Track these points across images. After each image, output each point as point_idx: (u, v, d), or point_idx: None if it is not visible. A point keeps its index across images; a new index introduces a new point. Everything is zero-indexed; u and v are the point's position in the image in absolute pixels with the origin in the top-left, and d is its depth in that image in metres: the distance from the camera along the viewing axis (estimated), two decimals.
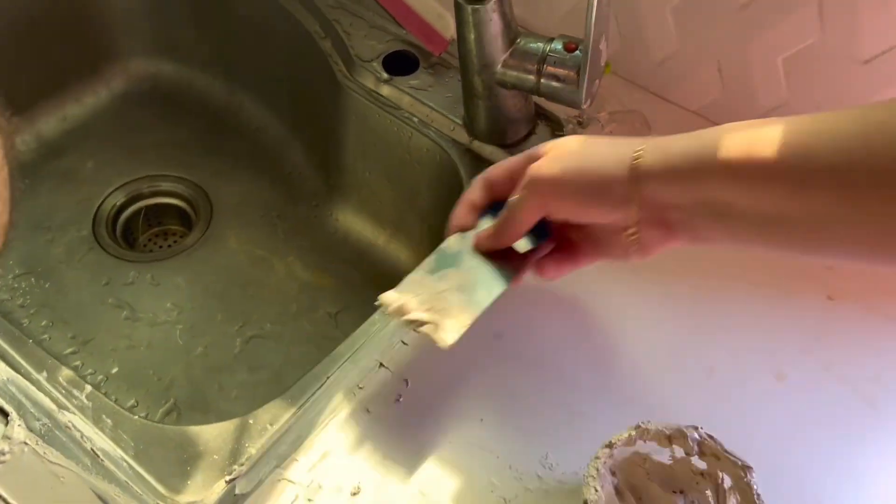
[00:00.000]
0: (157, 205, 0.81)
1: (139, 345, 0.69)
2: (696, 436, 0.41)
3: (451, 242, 0.48)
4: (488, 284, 0.45)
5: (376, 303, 0.46)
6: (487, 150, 0.62)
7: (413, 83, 0.66)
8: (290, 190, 0.80)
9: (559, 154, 0.43)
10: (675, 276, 0.53)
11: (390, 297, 0.45)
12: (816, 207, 0.34)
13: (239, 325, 0.71)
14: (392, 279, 0.74)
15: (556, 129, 0.63)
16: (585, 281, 0.51)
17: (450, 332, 0.43)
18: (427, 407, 0.48)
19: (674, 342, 0.51)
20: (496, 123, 0.60)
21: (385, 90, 0.67)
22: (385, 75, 0.67)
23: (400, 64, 0.68)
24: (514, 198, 0.44)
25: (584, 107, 0.53)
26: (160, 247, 0.80)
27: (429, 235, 0.71)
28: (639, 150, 0.39)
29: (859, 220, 0.33)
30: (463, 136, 0.63)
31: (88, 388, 0.48)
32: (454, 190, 0.62)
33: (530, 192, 0.43)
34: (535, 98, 0.60)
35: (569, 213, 0.43)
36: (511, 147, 0.62)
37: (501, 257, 0.46)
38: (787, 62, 0.57)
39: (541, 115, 0.63)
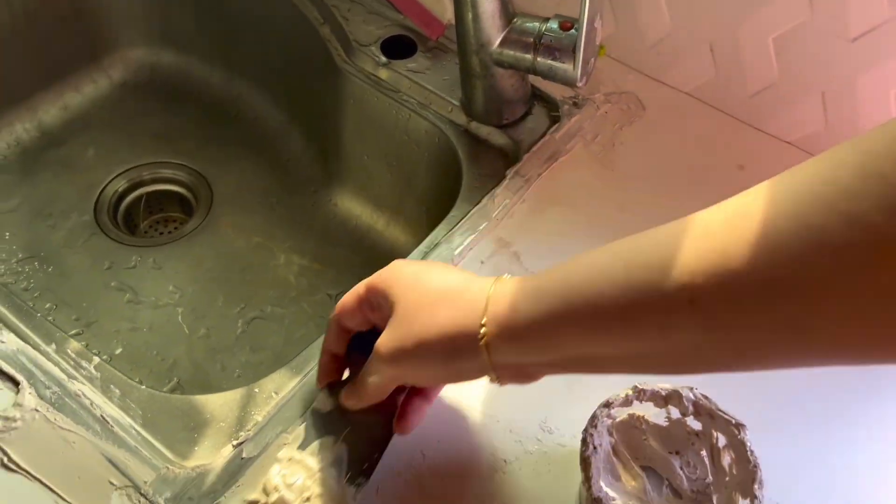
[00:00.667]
0: (157, 191, 0.82)
1: (142, 327, 0.70)
2: (692, 396, 0.42)
3: (322, 399, 0.46)
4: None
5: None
6: (485, 130, 0.64)
7: (411, 66, 0.67)
8: (289, 177, 0.81)
9: (400, 316, 0.39)
10: None
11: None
12: (681, 344, 0.31)
13: (240, 308, 0.71)
14: (390, 261, 0.75)
15: (552, 110, 0.64)
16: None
17: None
18: None
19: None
20: (493, 103, 0.61)
21: (384, 74, 0.68)
22: (383, 59, 0.68)
23: (398, 48, 0.69)
24: (365, 374, 0.41)
25: (580, 85, 0.54)
26: (161, 233, 0.81)
27: (427, 218, 0.72)
28: (483, 329, 0.36)
29: (722, 346, 0.30)
30: (461, 118, 0.64)
31: (97, 359, 0.49)
32: (452, 171, 0.64)
33: (381, 373, 0.40)
34: (532, 79, 0.62)
35: (424, 384, 0.43)
36: (508, 127, 0.63)
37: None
38: (777, 42, 0.58)
39: (537, 95, 0.64)
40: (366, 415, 0.43)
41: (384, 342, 0.39)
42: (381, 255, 0.75)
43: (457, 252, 0.55)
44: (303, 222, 0.78)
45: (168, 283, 0.73)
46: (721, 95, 0.64)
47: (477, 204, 0.58)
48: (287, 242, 0.77)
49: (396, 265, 0.43)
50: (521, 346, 0.36)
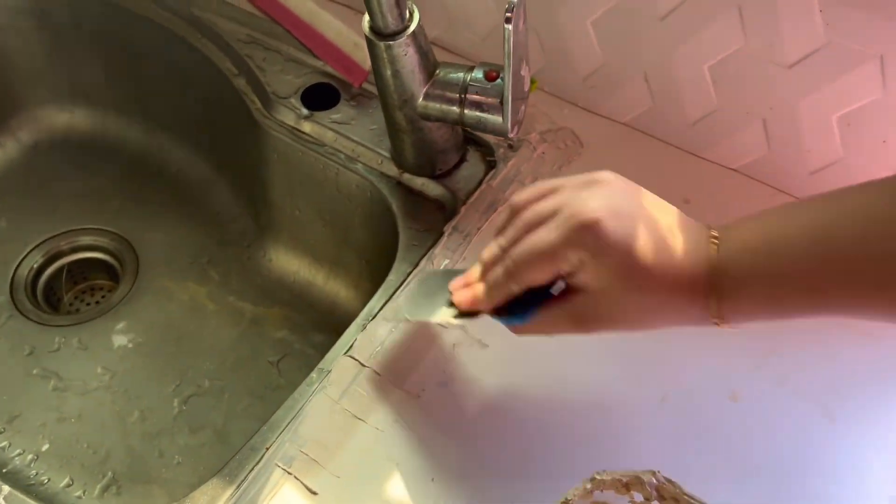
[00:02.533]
0: (79, 261, 0.77)
1: (70, 417, 0.65)
2: (654, 481, 0.39)
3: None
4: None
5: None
6: (418, 182, 0.60)
7: (335, 117, 0.63)
8: (220, 232, 0.77)
9: (626, 205, 0.37)
10: None
11: None
12: None
13: (176, 385, 0.67)
14: (334, 318, 0.72)
15: (488, 155, 0.61)
16: None
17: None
18: (371, 476, 0.45)
19: (622, 375, 0.49)
20: (424, 156, 0.58)
21: (307, 126, 0.64)
22: (305, 111, 0.64)
23: (320, 97, 0.65)
24: (541, 233, 0.37)
25: (512, 135, 0.51)
26: (88, 304, 0.76)
27: (368, 271, 0.68)
28: (714, 235, 0.37)
29: None
30: (392, 170, 0.61)
31: (7, 488, 0.45)
32: (388, 224, 0.60)
33: (577, 241, 0.36)
34: None
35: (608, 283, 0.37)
36: (443, 177, 0.60)
37: None
38: (713, 70, 0.56)
39: (470, 140, 0.61)
40: None
41: (595, 213, 0.36)
42: (324, 312, 0.72)
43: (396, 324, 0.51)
44: (237, 281, 0.74)
45: (96, 365, 0.68)
46: (660, 125, 0.62)
47: (416, 266, 0.55)
48: (222, 305, 0.72)
49: None
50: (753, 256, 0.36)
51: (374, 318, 0.52)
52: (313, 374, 0.49)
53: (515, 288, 0.39)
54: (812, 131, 0.55)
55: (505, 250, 0.39)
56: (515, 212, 0.40)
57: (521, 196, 0.40)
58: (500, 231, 0.41)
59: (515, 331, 0.41)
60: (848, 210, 0.35)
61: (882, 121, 0.52)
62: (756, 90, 0.55)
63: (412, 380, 0.48)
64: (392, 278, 0.55)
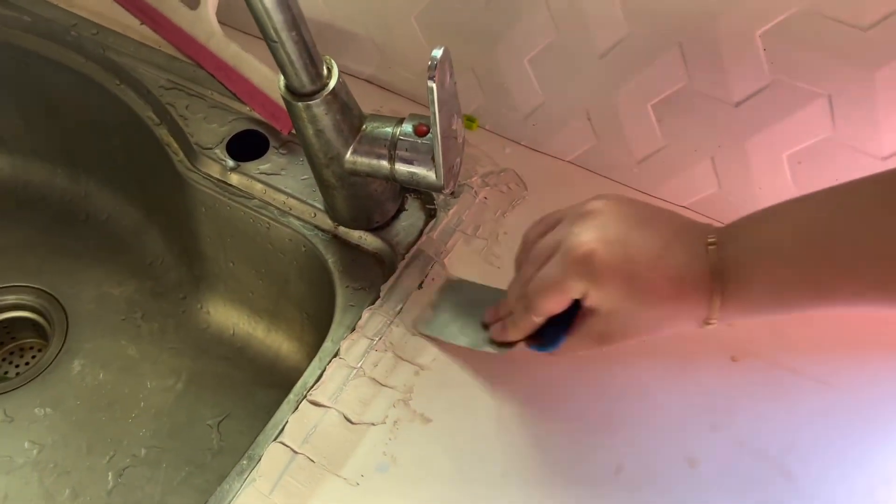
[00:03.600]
0: (3, 320, 0.72)
1: None
2: None
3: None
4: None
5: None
6: (355, 235, 0.57)
7: (263, 168, 0.60)
8: (153, 282, 0.73)
9: (614, 231, 0.39)
10: (568, 368, 0.49)
11: None
12: None
13: (110, 456, 0.63)
14: (276, 372, 0.68)
15: (427, 203, 0.58)
16: (475, 383, 0.47)
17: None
18: None
19: (576, 446, 0.46)
20: (359, 209, 0.54)
21: (234, 178, 0.60)
22: (231, 163, 0.60)
23: (247, 145, 0.61)
24: (546, 270, 0.41)
25: (447, 191, 0.48)
26: (16, 366, 0.71)
27: (309, 323, 0.65)
28: (711, 239, 0.39)
29: None
30: (327, 222, 0.57)
31: None
32: (325, 280, 0.57)
33: (576, 274, 0.39)
34: None
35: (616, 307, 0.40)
36: (381, 229, 0.56)
37: None
38: (657, 108, 0.53)
39: (408, 189, 0.58)
40: None
41: (589, 240, 0.39)
42: (266, 367, 0.68)
43: (334, 397, 0.48)
44: (173, 337, 0.70)
45: (23, 438, 0.64)
46: (606, 163, 0.59)
47: (353, 330, 0.51)
48: (157, 363, 0.68)
49: None
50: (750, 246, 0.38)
51: (311, 389, 0.48)
52: (244, 462, 0.46)
53: (538, 320, 0.42)
54: (763, 169, 0.52)
55: (524, 284, 0.43)
56: (528, 246, 0.45)
57: (530, 231, 0.45)
58: (518, 266, 0.46)
59: (553, 356, 0.44)
60: (848, 204, 0.36)
61: (833, 159, 0.49)
62: (703, 128, 0.52)
63: (350, 466, 0.45)
64: (328, 345, 0.51)
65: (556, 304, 0.41)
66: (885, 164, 0.47)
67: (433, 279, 0.53)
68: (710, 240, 0.39)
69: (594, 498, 0.44)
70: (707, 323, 0.40)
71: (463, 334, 0.49)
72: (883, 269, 0.35)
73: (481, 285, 0.52)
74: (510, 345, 0.45)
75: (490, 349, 0.46)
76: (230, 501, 0.44)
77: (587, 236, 0.39)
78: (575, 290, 0.40)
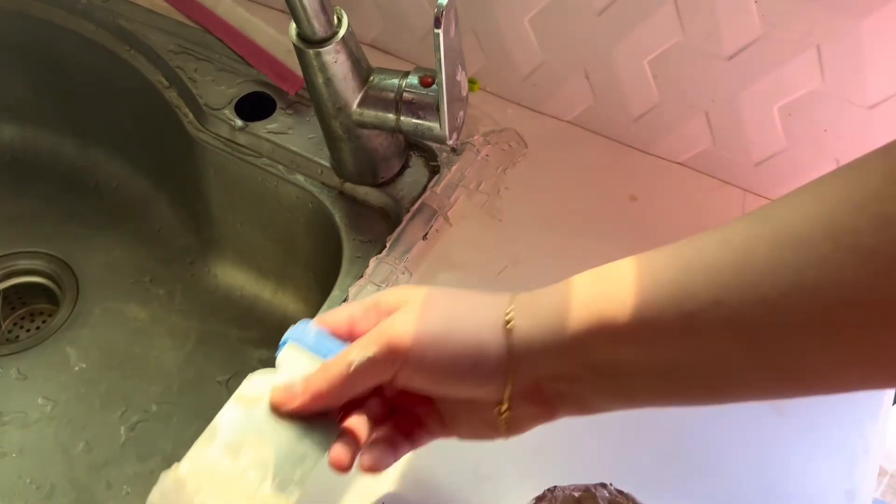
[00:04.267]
0: (15, 286, 0.74)
1: (10, 451, 0.62)
2: (606, 493, 0.38)
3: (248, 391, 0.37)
4: (300, 456, 0.35)
5: None
6: (361, 191, 0.58)
7: (271, 127, 0.61)
8: (161, 248, 0.74)
9: (417, 312, 0.34)
10: None
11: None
12: (711, 353, 0.29)
13: (122, 411, 0.65)
14: (283, 332, 0.70)
15: (431, 159, 0.60)
16: None
17: None
18: (331, 492, 0.44)
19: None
20: (365, 164, 0.56)
21: (242, 138, 0.61)
22: (239, 122, 0.61)
23: (255, 106, 0.63)
24: (356, 352, 0.34)
25: (450, 143, 0.50)
26: (28, 330, 0.73)
27: (315, 283, 0.66)
28: (509, 313, 0.33)
29: (758, 359, 0.28)
30: (333, 179, 0.59)
31: None
32: (332, 236, 0.58)
33: (381, 354, 0.33)
34: None
35: (424, 384, 0.34)
36: (386, 185, 0.58)
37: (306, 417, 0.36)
38: (652, 64, 0.55)
39: (413, 146, 0.60)
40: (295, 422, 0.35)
41: (392, 322, 0.33)
42: (273, 327, 0.70)
43: None
44: (182, 300, 0.72)
45: (36, 395, 0.65)
46: (604, 122, 0.61)
47: (360, 278, 0.53)
48: (166, 325, 0.70)
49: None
50: (547, 341, 0.31)
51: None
52: None
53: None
54: (754, 122, 0.54)
55: None
56: None
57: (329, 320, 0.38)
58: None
59: (367, 463, 0.36)
60: (625, 282, 0.31)
61: (822, 110, 0.51)
62: (697, 83, 0.54)
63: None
64: (336, 293, 0.53)
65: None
66: (872, 113, 0.49)
67: (437, 230, 0.55)
68: (508, 312, 0.33)
69: (593, 430, 0.46)
70: (500, 413, 0.34)
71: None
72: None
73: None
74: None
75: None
76: None
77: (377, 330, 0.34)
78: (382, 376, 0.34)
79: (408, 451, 0.37)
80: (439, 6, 0.42)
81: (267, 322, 0.70)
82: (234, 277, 0.72)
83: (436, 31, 0.43)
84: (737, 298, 0.27)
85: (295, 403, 0.35)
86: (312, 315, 0.55)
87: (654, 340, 0.30)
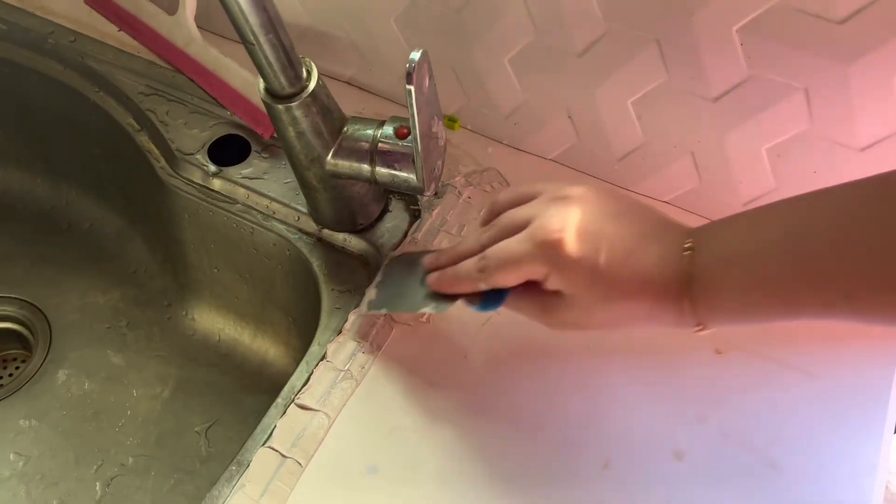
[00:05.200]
0: None
1: None
2: None
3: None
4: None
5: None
6: (340, 237, 0.57)
7: (246, 172, 0.59)
8: (137, 290, 0.72)
9: (589, 221, 0.38)
10: (554, 366, 0.49)
11: None
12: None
13: (97, 466, 0.63)
14: (262, 377, 0.68)
15: (412, 203, 0.58)
16: (466, 383, 0.47)
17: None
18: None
19: (562, 441, 0.47)
20: (343, 211, 0.54)
21: (216, 184, 0.59)
22: (213, 168, 0.59)
23: (229, 149, 0.61)
24: (512, 243, 0.39)
25: (428, 193, 0.48)
26: (0, 377, 0.71)
27: (295, 327, 0.65)
28: (688, 244, 0.38)
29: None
30: (310, 225, 0.57)
31: None
32: (311, 284, 0.57)
33: (542, 256, 0.38)
34: None
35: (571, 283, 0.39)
36: (365, 231, 0.56)
37: None
38: (636, 105, 0.53)
39: (391, 190, 0.58)
40: None
41: (565, 235, 0.38)
42: (253, 372, 0.68)
43: (322, 401, 0.48)
44: (159, 344, 0.70)
45: (8, 450, 0.63)
46: (587, 161, 0.59)
47: (339, 332, 0.51)
48: (143, 372, 0.68)
49: None
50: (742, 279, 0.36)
51: (299, 392, 0.48)
52: (233, 468, 0.45)
53: (483, 286, 0.41)
54: (742, 163, 0.53)
55: (483, 246, 0.42)
56: (495, 213, 0.43)
57: (502, 197, 0.43)
58: (482, 227, 0.44)
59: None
60: (819, 215, 0.36)
61: (811, 152, 0.50)
62: (682, 124, 0.53)
63: (339, 469, 0.45)
64: (315, 349, 0.51)
65: (511, 279, 0.40)
66: (863, 156, 0.48)
67: None
68: (686, 245, 0.38)
69: (582, 493, 0.45)
70: (681, 324, 0.39)
71: (402, 301, 0.48)
72: (850, 281, 0.34)
73: (423, 251, 0.51)
74: (448, 302, 0.44)
75: (428, 309, 0.45)
76: None
77: (559, 221, 0.38)
78: (535, 272, 0.39)
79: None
80: (410, 61, 0.40)
81: (246, 367, 0.68)
82: (213, 321, 0.70)
83: (408, 87, 0.41)
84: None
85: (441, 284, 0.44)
86: (290, 354, 0.53)
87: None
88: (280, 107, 0.45)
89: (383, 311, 0.49)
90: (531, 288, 0.40)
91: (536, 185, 0.42)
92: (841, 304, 0.35)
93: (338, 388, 0.48)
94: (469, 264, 0.42)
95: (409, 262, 0.50)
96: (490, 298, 0.42)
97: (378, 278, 0.52)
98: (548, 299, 0.40)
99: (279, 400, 0.49)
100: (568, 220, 0.38)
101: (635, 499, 0.45)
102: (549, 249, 0.38)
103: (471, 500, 0.44)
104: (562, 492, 0.45)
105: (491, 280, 0.40)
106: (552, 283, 0.39)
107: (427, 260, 0.46)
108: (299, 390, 0.48)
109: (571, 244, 0.37)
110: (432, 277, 0.44)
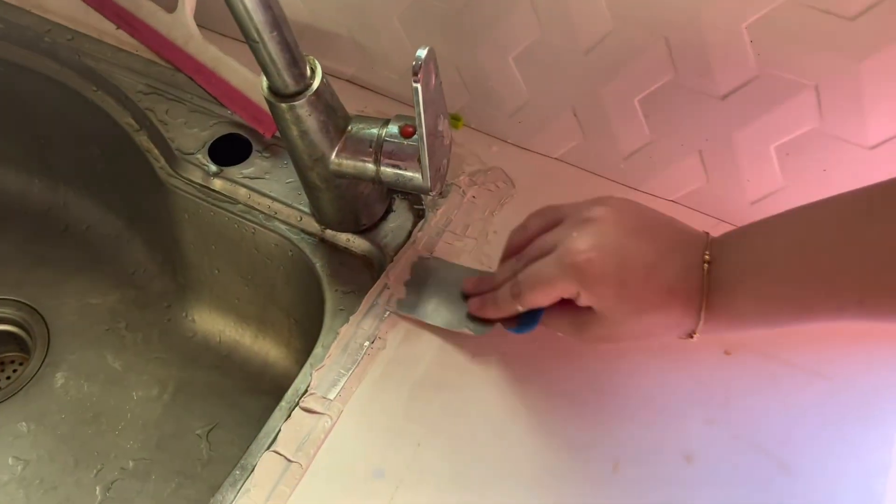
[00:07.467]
0: None
1: None
2: None
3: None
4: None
5: None
6: (343, 238, 0.56)
7: (247, 172, 0.59)
8: (136, 292, 0.72)
9: (612, 239, 0.41)
10: (563, 366, 0.49)
11: None
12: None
13: (97, 469, 0.62)
14: (264, 379, 0.67)
15: (416, 202, 0.57)
16: (473, 385, 0.46)
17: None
18: None
19: (571, 442, 0.46)
20: (346, 211, 0.54)
21: (217, 184, 0.59)
22: (213, 167, 0.59)
23: (230, 149, 0.60)
24: (541, 265, 0.42)
25: (434, 193, 0.47)
26: None
27: (297, 328, 0.64)
28: (707, 256, 0.40)
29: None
30: (313, 226, 0.56)
31: None
32: (314, 286, 0.56)
33: (570, 277, 0.40)
34: None
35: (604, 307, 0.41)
36: (369, 231, 0.56)
37: None
38: (643, 103, 0.53)
39: (396, 190, 0.57)
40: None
41: (586, 250, 0.40)
42: (254, 374, 0.67)
43: (328, 404, 0.47)
44: (159, 346, 0.69)
45: (6, 454, 0.62)
46: (593, 159, 0.58)
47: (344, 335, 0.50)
48: (143, 375, 0.67)
49: None
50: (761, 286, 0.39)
51: (303, 396, 0.47)
52: (236, 472, 0.45)
53: (520, 308, 0.44)
54: (750, 161, 0.52)
55: (515, 272, 0.44)
56: (527, 233, 0.46)
57: (532, 221, 0.46)
58: (510, 253, 0.47)
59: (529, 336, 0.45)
60: (829, 223, 0.38)
61: (821, 149, 0.49)
62: (690, 122, 0.52)
63: (346, 473, 0.44)
64: (318, 351, 0.50)
65: (543, 299, 0.43)
66: (872, 154, 0.47)
67: None
68: (706, 256, 0.41)
69: (592, 495, 0.44)
70: (689, 336, 0.42)
71: (439, 314, 0.49)
72: (863, 286, 0.36)
73: (453, 264, 0.53)
74: (487, 326, 0.47)
75: (467, 330, 0.47)
76: None
77: (585, 243, 0.40)
78: (566, 291, 0.41)
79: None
80: (417, 58, 0.40)
81: (247, 368, 0.67)
82: (213, 323, 0.69)
83: (414, 84, 0.40)
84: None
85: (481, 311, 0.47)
86: (292, 356, 0.52)
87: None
88: (283, 105, 0.44)
89: (415, 317, 0.50)
90: (564, 306, 0.43)
91: (562, 207, 0.45)
92: (854, 309, 0.37)
93: (343, 390, 0.47)
94: (504, 290, 0.45)
95: (443, 269, 0.52)
96: (525, 320, 0.45)
97: (406, 276, 0.52)
98: (580, 316, 0.42)
99: (283, 403, 0.48)
100: (592, 241, 0.40)
101: (645, 501, 0.44)
102: (577, 270, 0.40)
103: (478, 502, 0.44)
104: (571, 494, 0.44)
105: (525, 301, 0.43)
106: (584, 301, 0.41)
107: (468, 285, 0.49)
108: (303, 393, 0.47)
109: (596, 264, 0.40)
110: (474, 304, 0.47)
